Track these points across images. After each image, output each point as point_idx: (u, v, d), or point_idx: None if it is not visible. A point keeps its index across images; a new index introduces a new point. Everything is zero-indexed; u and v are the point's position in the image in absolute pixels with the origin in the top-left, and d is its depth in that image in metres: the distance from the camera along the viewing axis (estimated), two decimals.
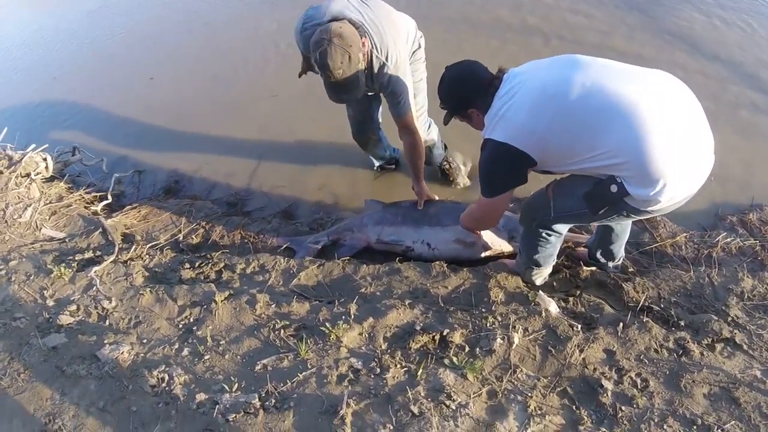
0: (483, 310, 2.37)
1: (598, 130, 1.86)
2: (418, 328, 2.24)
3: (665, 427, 1.82)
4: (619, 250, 2.63)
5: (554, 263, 2.61)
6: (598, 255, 2.67)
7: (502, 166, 2.05)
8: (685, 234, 2.95)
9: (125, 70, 5.25)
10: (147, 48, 5.57)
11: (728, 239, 2.91)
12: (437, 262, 2.72)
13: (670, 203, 1.96)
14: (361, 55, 2.40)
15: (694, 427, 1.82)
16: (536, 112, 1.91)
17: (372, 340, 2.23)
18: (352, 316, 2.32)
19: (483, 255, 2.88)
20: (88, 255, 2.89)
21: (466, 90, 2.12)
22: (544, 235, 2.35)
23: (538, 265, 2.51)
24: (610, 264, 2.68)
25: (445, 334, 2.19)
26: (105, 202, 3.54)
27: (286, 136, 4.03)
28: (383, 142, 3.44)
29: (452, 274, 2.64)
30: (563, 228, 2.36)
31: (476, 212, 2.42)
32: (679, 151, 1.82)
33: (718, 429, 1.80)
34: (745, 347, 2.18)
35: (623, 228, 2.53)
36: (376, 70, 2.56)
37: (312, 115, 4.13)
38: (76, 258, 2.87)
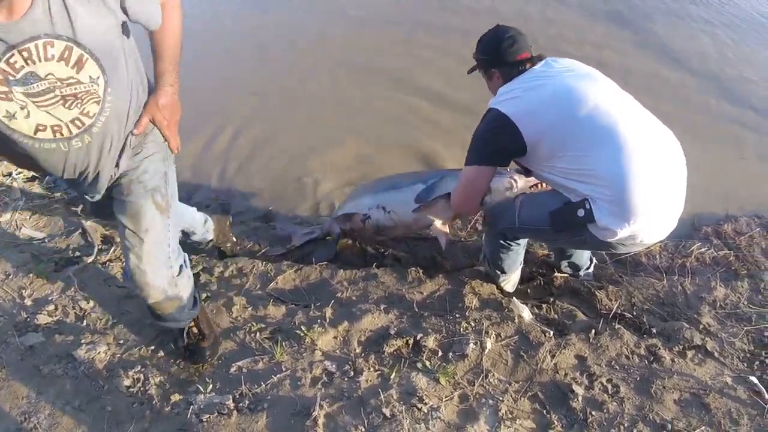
0: (457, 315, 2.39)
1: (589, 148, 1.97)
2: (392, 332, 2.26)
3: (635, 431, 1.85)
4: (582, 260, 2.68)
5: (522, 269, 2.65)
6: (564, 267, 2.74)
7: (496, 134, 2.09)
8: (659, 243, 2.99)
9: None
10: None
11: (703, 249, 2.96)
12: (413, 268, 2.73)
13: (626, 242, 2.07)
14: None
15: (664, 431, 1.86)
16: (547, 106, 2.02)
17: (347, 343, 2.25)
18: (328, 320, 2.34)
19: (440, 221, 2.69)
20: (68, 255, 2.88)
21: (502, 51, 2.17)
22: (504, 243, 2.42)
23: (503, 271, 2.56)
24: (581, 273, 2.73)
25: (419, 338, 2.21)
26: None
27: (268, 140, 4.01)
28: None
29: (428, 280, 2.66)
30: (523, 240, 2.44)
31: (458, 185, 2.32)
32: (652, 196, 1.94)
33: None
34: (716, 354, 2.22)
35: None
36: None
37: (296, 118, 4.14)
38: (55, 258, 2.86)
